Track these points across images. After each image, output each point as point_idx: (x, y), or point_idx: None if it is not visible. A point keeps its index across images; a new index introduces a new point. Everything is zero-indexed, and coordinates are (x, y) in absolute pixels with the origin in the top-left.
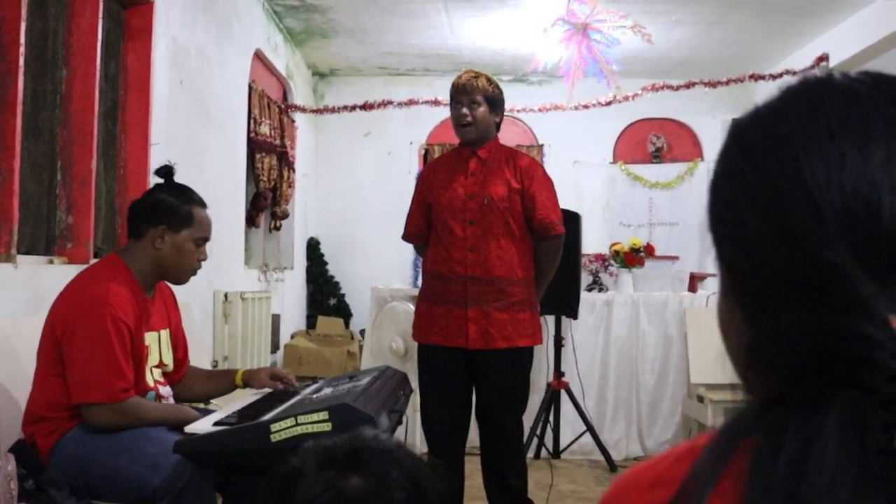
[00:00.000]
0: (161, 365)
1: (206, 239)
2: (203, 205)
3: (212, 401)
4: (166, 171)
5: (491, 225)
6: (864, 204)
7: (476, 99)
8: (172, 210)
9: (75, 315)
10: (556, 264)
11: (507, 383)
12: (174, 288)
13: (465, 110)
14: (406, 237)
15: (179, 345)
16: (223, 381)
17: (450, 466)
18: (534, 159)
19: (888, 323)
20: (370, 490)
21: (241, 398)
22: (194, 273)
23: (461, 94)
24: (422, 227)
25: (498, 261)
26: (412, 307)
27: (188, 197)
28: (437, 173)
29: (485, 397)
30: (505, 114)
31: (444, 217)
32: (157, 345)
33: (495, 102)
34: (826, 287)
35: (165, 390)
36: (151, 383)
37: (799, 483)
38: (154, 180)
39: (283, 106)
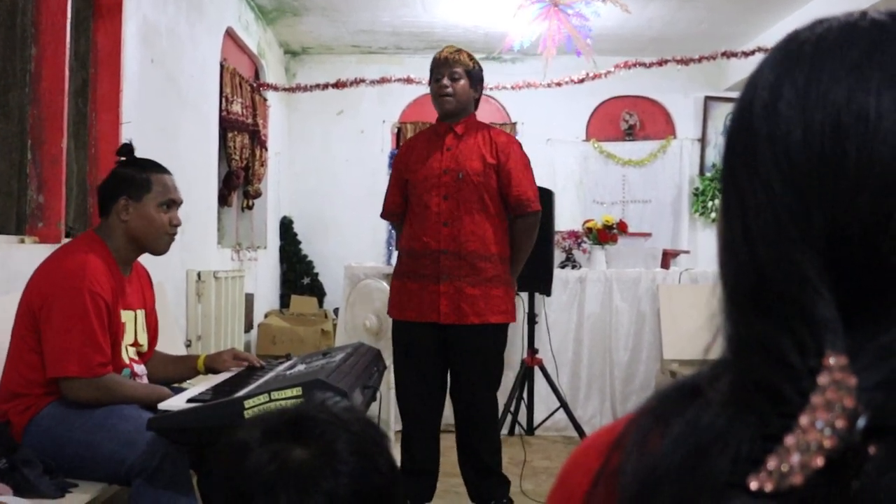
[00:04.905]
0: (136, 344)
1: (174, 201)
2: (163, 171)
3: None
4: (127, 150)
5: (465, 199)
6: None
7: (457, 72)
8: (129, 180)
9: (52, 289)
10: (532, 242)
11: (480, 360)
12: (149, 267)
13: (445, 81)
14: (384, 215)
15: (151, 327)
16: (185, 367)
17: (425, 443)
18: (511, 136)
19: (820, 357)
20: (314, 461)
21: (215, 376)
22: (171, 238)
23: (442, 66)
24: (399, 203)
25: (471, 235)
26: (386, 285)
27: (146, 166)
28: (413, 149)
29: (458, 374)
30: None
31: (419, 192)
32: (132, 324)
33: (475, 78)
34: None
35: (140, 368)
36: (127, 361)
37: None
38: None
39: (255, 84)
